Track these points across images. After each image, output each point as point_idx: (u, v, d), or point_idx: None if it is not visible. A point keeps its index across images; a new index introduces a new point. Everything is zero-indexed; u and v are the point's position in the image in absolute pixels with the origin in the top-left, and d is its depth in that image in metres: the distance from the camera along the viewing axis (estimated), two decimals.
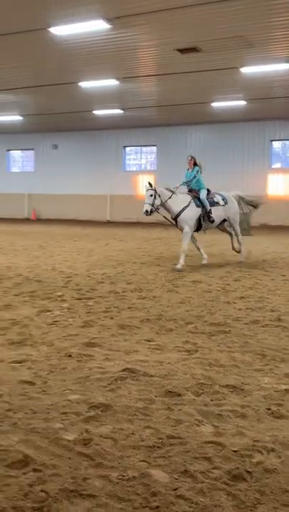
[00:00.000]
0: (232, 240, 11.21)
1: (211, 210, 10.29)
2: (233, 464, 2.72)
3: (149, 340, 5.01)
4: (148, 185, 10.07)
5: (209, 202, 10.36)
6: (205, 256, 10.51)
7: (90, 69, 14.50)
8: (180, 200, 10.11)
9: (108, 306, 6.54)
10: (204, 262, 10.40)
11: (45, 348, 4.76)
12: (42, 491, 2.48)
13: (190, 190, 10.48)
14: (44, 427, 3.12)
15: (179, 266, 9.62)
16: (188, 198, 10.23)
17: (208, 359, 4.42)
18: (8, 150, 29.41)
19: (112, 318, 5.91)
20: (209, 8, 10.06)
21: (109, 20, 10.56)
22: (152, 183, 10.13)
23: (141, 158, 27.59)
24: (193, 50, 13.00)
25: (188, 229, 10.05)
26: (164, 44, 12.55)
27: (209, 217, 10.24)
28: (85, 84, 16.56)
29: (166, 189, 10.18)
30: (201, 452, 2.84)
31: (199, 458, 2.78)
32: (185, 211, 10.02)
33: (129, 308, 6.45)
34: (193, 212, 10.12)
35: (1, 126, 24.99)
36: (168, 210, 10.10)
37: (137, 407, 3.42)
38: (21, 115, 21.97)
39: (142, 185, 23.90)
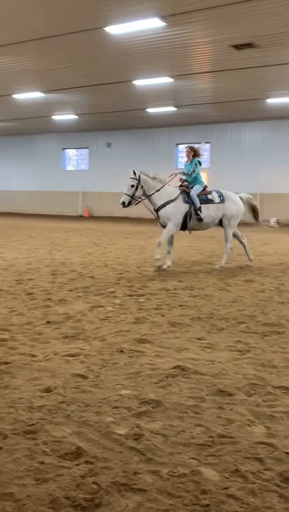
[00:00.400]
0: (244, 248, 9.97)
1: (200, 207, 9.13)
2: (285, 465, 2.68)
3: (200, 339, 5.00)
4: (132, 173, 8.99)
5: (202, 199, 9.24)
6: (169, 263, 9.21)
7: (144, 67, 14.56)
8: (167, 194, 9.09)
9: (159, 303, 6.56)
10: (164, 266, 9.10)
11: (97, 342, 4.83)
12: (94, 482, 2.53)
13: (181, 185, 9.44)
14: (96, 421, 3.17)
15: (158, 256, 9.01)
16: (177, 192, 9.22)
17: (260, 359, 4.35)
18: (64, 149, 29.98)
19: (163, 315, 5.93)
20: (265, 3, 9.88)
21: (164, 17, 10.56)
22: (136, 172, 9.02)
23: None
24: (248, 45, 12.80)
25: (172, 225, 9.06)
26: (219, 40, 12.43)
27: (198, 214, 9.12)
28: (139, 83, 16.63)
29: (154, 178, 9.14)
30: (253, 452, 2.80)
31: (250, 458, 2.75)
32: (168, 206, 9.01)
33: (180, 306, 6.44)
34: (177, 209, 9.06)
35: (57, 125, 25.50)
36: (152, 203, 9.16)
37: (188, 404, 3.42)
38: (76, 114, 22.34)
39: None
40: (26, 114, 21.64)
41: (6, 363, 4.22)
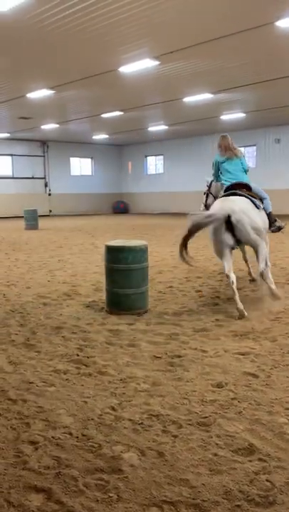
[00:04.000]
0: None
1: None
2: None
3: None
4: None
5: None
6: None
7: None
8: None
9: None
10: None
11: (268, 342, 4.79)
12: (267, 480, 2.55)
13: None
14: (268, 420, 3.17)
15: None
16: None
17: None
18: None
19: None
20: None
21: None
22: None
23: None
24: None
25: None
26: None
27: None
28: None
29: None
30: None
31: None
32: None
33: None
34: None
35: (225, 124, 25.54)
36: None
37: None
38: (244, 112, 22.16)
39: None
40: (195, 116, 22.07)
41: (179, 356, 4.42)
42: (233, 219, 5.86)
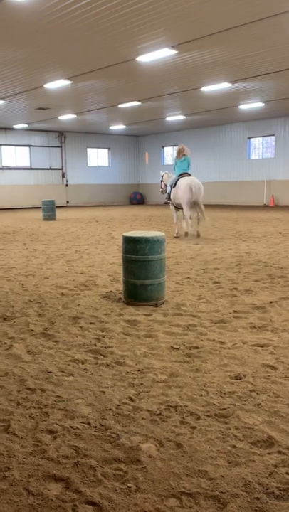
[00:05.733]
0: None
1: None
2: None
3: None
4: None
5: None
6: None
7: None
8: None
9: None
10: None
11: (286, 334, 4.74)
12: (287, 473, 2.53)
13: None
14: (287, 412, 3.15)
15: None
16: None
17: None
18: (249, 138, 29.70)
19: None
20: None
21: None
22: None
23: None
24: None
25: None
26: None
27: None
28: None
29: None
30: None
31: None
32: None
33: None
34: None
35: (243, 114, 25.31)
36: None
37: None
38: (263, 102, 21.90)
39: None
40: (213, 105, 21.88)
41: (197, 348, 4.41)
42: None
